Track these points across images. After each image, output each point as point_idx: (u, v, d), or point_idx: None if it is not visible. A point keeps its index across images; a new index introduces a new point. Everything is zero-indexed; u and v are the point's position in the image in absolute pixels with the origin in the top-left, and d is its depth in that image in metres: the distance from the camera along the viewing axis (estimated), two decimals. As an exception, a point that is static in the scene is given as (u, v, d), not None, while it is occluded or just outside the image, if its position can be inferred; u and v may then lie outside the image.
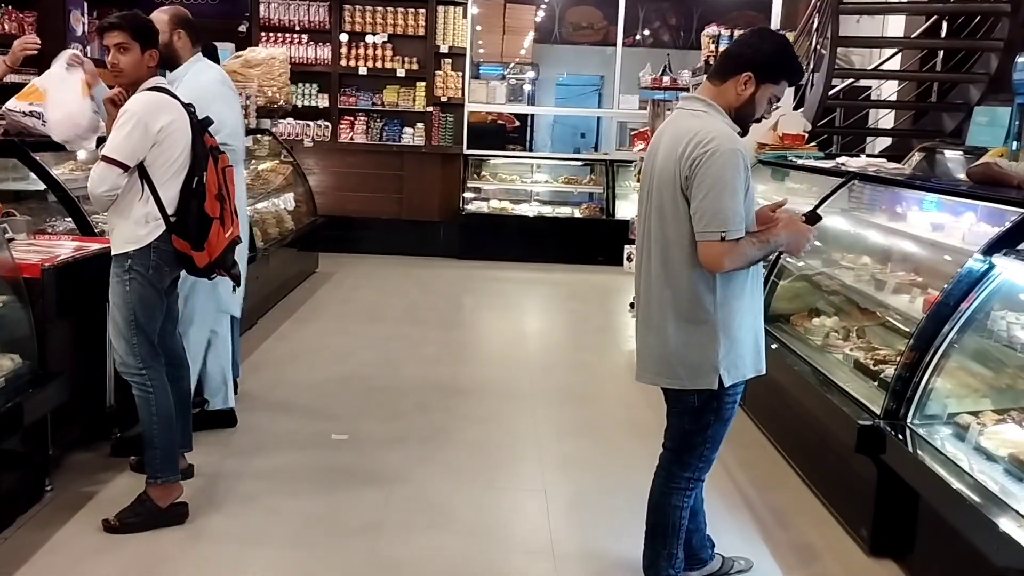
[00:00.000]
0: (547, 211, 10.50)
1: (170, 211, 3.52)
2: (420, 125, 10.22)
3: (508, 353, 6.62)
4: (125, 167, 3.43)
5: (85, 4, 9.20)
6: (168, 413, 3.63)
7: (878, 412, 3.60)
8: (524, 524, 3.79)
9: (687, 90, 8.32)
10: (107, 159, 3.43)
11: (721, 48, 7.33)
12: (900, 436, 3.42)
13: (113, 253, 3.58)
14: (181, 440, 3.87)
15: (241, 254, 4.29)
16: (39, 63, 5.52)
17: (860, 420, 3.57)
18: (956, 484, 2.98)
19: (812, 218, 2.96)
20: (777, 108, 2.90)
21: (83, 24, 9.08)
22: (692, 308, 2.77)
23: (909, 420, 3.49)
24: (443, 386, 5.61)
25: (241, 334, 6.33)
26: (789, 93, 6.91)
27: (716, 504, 3.89)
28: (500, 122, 11.33)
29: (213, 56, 4.81)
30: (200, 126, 3.59)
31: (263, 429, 4.72)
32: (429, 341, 6.71)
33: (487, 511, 3.89)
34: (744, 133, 2.83)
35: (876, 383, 3.96)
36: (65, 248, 4.04)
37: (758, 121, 2.91)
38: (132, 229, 3.52)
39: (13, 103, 4.69)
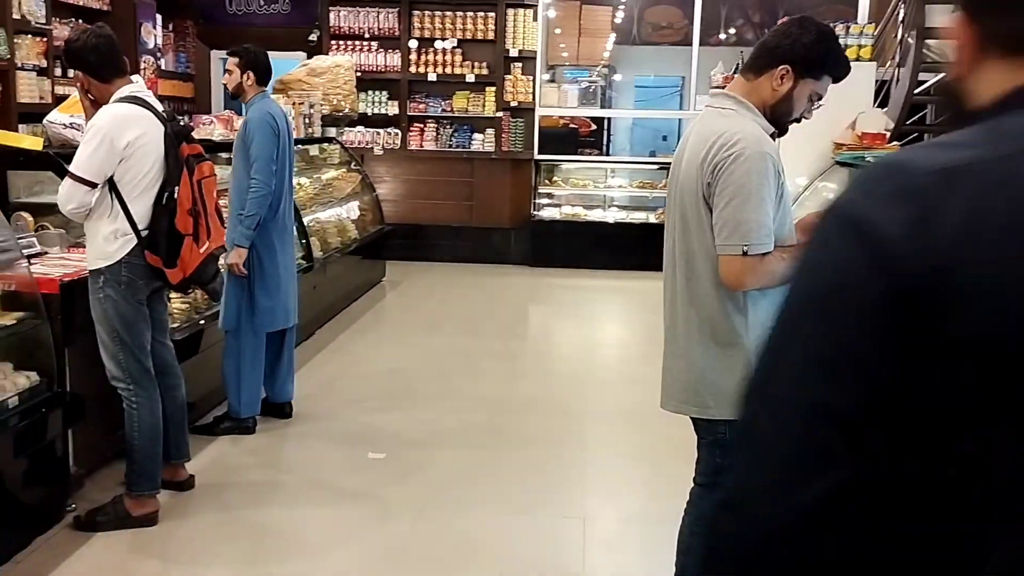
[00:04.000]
0: (622, 216, 10.18)
1: (141, 226, 3.44)
2: (490, 131, 10.04)
3: (568, 367, 6.35)
4: (92, 184, 3.34)
5: (158, 17, 9.31)
6: (151, 431, 3.57)
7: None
8: (556, 557, 3.53)
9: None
10: (73, 176, 3.35)
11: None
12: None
13: (87, 269, 3.50)
14: (176, 452, 3.84)
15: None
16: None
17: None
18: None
19: None
20: (819, 107, 2.56)
21: (155, 36, 9.19)
22: (720, 329, 2.47)
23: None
24: (493, 403, 5.39)
25: (297, 344, 6.28)
26: (866, 88, 6.49)
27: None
28: (573, 126, 11.06)
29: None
30: (177, 136, 3.47)
31: (299, 444, 4.58)
32: (486, 354, 6.49)
33: (518, 542, 3.64)
34: (780, 134, 2.53)
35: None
36: (94, 262, 3.97)
37: (798, 122, 2.58)
38: (101, 245, 3.44)
39: (55, 115, 4.67)
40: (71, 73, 7.92)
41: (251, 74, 4.67)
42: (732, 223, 2.33)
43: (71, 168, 3.37)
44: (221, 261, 3.90)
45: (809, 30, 2.47)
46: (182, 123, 3.59)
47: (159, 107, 3.54)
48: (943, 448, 0.84)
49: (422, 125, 10.17)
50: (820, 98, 2.52)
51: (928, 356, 0.82)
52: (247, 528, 3.68)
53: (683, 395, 2.58)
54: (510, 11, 9.96)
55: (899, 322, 0.83)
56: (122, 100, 3.45)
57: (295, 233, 6.58)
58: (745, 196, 2.32)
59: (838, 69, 2.50)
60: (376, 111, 10.10)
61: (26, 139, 4.25)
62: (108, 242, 3.43)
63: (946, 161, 0.88)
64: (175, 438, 3.80)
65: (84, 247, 4.33)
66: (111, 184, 3.40)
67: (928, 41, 7.27)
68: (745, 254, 2.32)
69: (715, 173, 2.37)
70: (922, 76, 7.35)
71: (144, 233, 3.44)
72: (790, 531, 0.88)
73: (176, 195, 3.42)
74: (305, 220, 6.78)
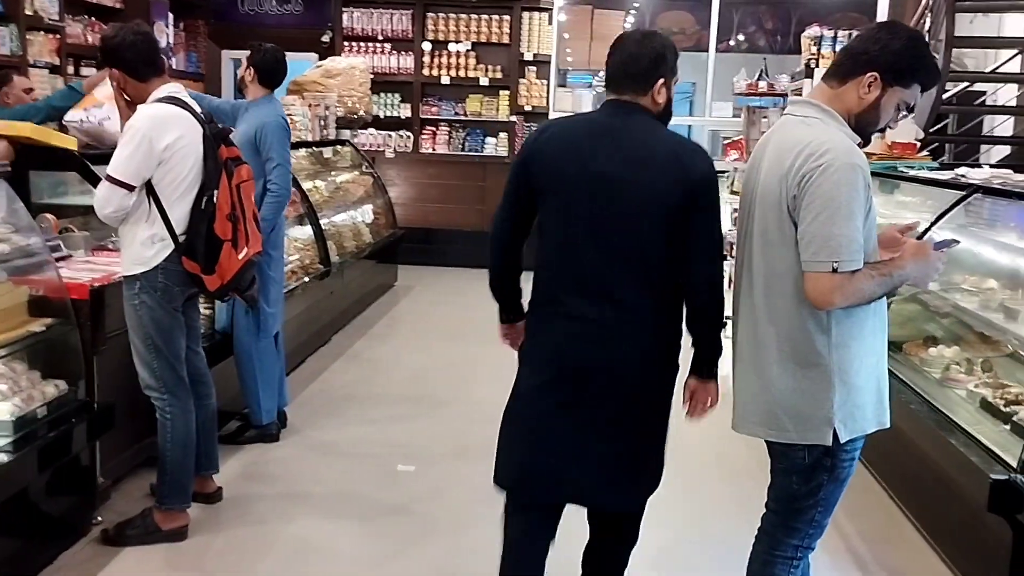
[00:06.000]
0: (634, 223, 10.06)
1: (179, 231, 3.32)
2: (503, 135, 9.93)
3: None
4: (130, 187, 3.22)
5: (170, 15, 9.19)
6: (184, 443, 3.47)
7: (1014, 464, 3.12)
8: None
9: (785, 96, 7.81)
10: (111, 179, 3.23)
11: (825, 50, 6.83)
12: (1043, 495, 2.94)
13: (122, 275, 3.38)
14: (206, 463, 3.74)
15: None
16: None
17: (993, 473, 3.09)
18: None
19: (944, 245, 2.50)
20: (905, 116, 2.44)
21: (167, 35, 9.07)
22: (801, 349, 2.36)
23: (1053, 475, 3.01)
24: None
25: (313, 351, 6.16)
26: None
27: (821, 561, 3.44)
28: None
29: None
30: (215, 139, 3.36)
31: (325, 455, 4.45)
32: (509, 362, 6.31)
33: (560, 562, 3.51)
34: (865, 144, 2.41)
35: (1008, 427, 3.47)
36: (121, 266, 3.84)
37: (882, 131, 2.48)
38: (139, 251, 3.32)
39: (71, 114, 4.52)
40: (85, 71, 7.80)
41: (253, 71, 4.53)
42: (820, 238, 2.22)
43: (108, 170, 3.24)
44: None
45: (899, 35, 2.36)
46: (220, 125, 3.46)
47: (197, 108, 3.41)
48: (539, 213, 2.64)
49: (434, 128, 10.06)
50: (908, 107, 2.41)
51: (529, 184, 2.62)
52: (283, 543, 3.56)
53: (758, 417, 2.46)
54: (525, 14, 9.87)
55: (524, 175, 2.63)
56: (160, 100, 3.32)
57: (313, 236, 6.51)
58: (834, 209, 2.21)
59: (929, 77, 2.39)
60: (388, 113, 9.99)
61: (55, 136, 4.11)
62: (145, 247, 3.30)
63: (553, 120, 2.78)
64: (206, 449, 3.68)
65: (109, 250, 4.22)
66: (149, 187, 3.27)
67: (953, 50, 7.17)
68: (835, 271, 2.21)
69: (802, 185, 2.26)
70: (947, 85, 7.26)
71: (182, 238, 3.31)
72: (497, 232, 2.73)
73: (215, 199, 3.30)
74: (321, 224, 6.64)
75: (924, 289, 2.75)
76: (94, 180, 4.17)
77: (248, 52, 4.59)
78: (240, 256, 3.37)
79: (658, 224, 2.50)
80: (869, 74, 2.34)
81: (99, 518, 3.57)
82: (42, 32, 7.25)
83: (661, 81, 2.59)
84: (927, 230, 4.56)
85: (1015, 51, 8.05)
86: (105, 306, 3.51)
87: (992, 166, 5.68)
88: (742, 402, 2.51)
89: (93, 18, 8.17)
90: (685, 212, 2.50)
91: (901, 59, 2.34)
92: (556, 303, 2.63)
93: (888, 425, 2.50)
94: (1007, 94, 8.54)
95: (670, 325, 2.66)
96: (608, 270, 2.54)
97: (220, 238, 3.31)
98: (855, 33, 7.28)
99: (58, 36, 7.44)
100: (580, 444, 2.63)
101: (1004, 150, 8.27)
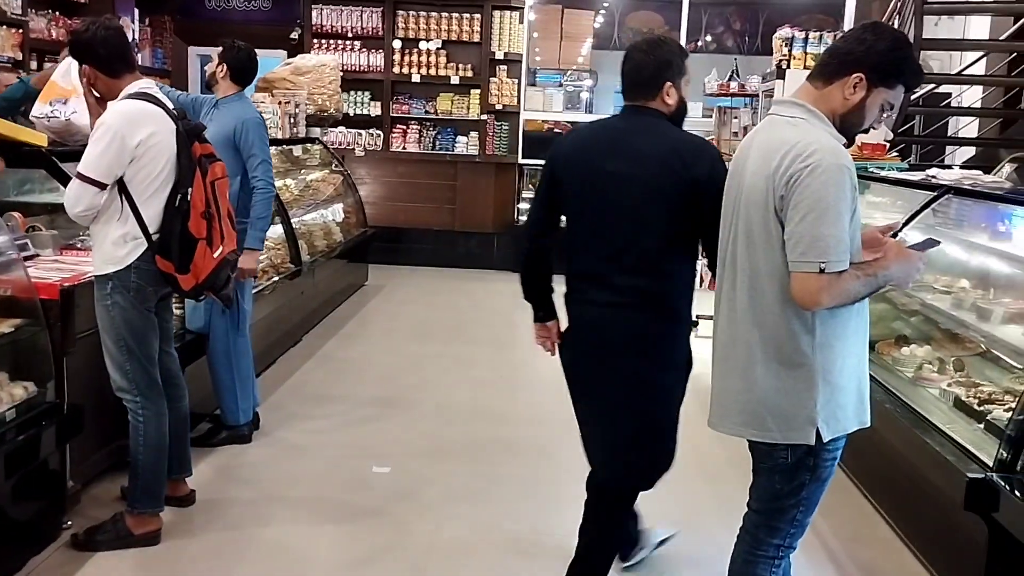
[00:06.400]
0: (605, 223, 10.07)
1: (152, 229, 3.25)
2: (474, 134, 9.89)
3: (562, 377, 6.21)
4: (101, 185, 3.16)
5: (136, 11, 9.06)
6: (157, 445, 3.40)
7: (990, 463, 3.15)
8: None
9: (756, 96, 7.86)
10: (82, 176, 3.15)
11: (796, 51, 6.87)
12: (1018, 492, 2.97)
13: (94, 275, 3.32)
14: (178, 466, 3.67)
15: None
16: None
17: (969, 472, 3.11)
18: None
19: (925, 245, 2.52)
20: (888, 117, 2.45)
21: (133, 31, 8.93)
22: (785, 349, 2.36)
23: (1029, 474, 3.04)
24: (494, 413, 5.25)
25: (284, 351, 6.10)
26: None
27: (795, 559, 3.43)
28: (557, 131, 10.94)
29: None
30: (188, 136, 3.30)
31: (299, 456, 4.40)
32: (481, 362, 6.34)
33: (537, 559, 3.50)
34: (849, 144, 2.42)
35: (982, 425, 3.51)
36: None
37: (866, 132, 2.49)
38: (111, 250, 3.25)
39: (37, 108, 4.42)
40: (47, 65, 7.65)
41: (225, 68, 4.52)
42: (808, 238, 2.22)
43: (79, 168, 3.17)
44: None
45: (884, 36, 2.36)
46: (193, 122, 3.40)
47: (170, 104, 3.35)
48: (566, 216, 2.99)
49: (405, 127, 10.00)
50: (892, 108, 2.42)
51: (553, 184, 2.97)
52: (258, 547, 3.51)
53: (741, 417, 2.46)
54: (496, 13, 9.83)
55: (549, 175, 2.99)
56: (132, 96, 3.26)
57: (284, 235, 6.44)
58: (822, 210, 2.21)
59: (913, 78, 2.40)
60: (358, 112, 9.91)
61: (24, 132, 4.01)
62: (117, 246, 3.24)
63: (577, 128, 3.12)
64: (178, 452, 3.62)
65: (77, 249, 4.14)
66: (121, 185, 3.21)
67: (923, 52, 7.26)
68: (822, 271, 2.21)
69: (789, 185, 2.25)
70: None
71: (155, 237, 3.25)
72: (528, 224, 3.11)
73: (189, 197, 3.24)
74: (292, 223, 6.57)
75: (905, 289, 2.76)
76: (62, 177, 4.11)
77: (219, 49, 4.56)
78: (215, 255, 3.31)
79: (658, 217, 2.78)
80: (854, 75, 2.34)
81: (69, 523, 3.49)
82: (4, 26, 7.11)
83: (668, 84, 2.84)
84: (899, 231, 4.61)
85: (980, 53, 8.18)
86: (75, 306, 3.44)
87: (961, 167, 5.75)
88: (723, 401, 2.51)
89: (57, 12, 8.03)
90: (688, 206, 2.76)
91: (886, 60, 2.34)
92: (575, 291, 2.96)
93: (869, 424, 2.51)
94: (972, 96, 8.66)
95: (672, 315, 2.90)
96: (610, 261, 2.83)
97: (195, 236, 3.25)
98: (825, 34, 7.41)
99: (21, 31, 7.30)
100: (592, 420, 3.04)
101: (969, 151, 8.38)
